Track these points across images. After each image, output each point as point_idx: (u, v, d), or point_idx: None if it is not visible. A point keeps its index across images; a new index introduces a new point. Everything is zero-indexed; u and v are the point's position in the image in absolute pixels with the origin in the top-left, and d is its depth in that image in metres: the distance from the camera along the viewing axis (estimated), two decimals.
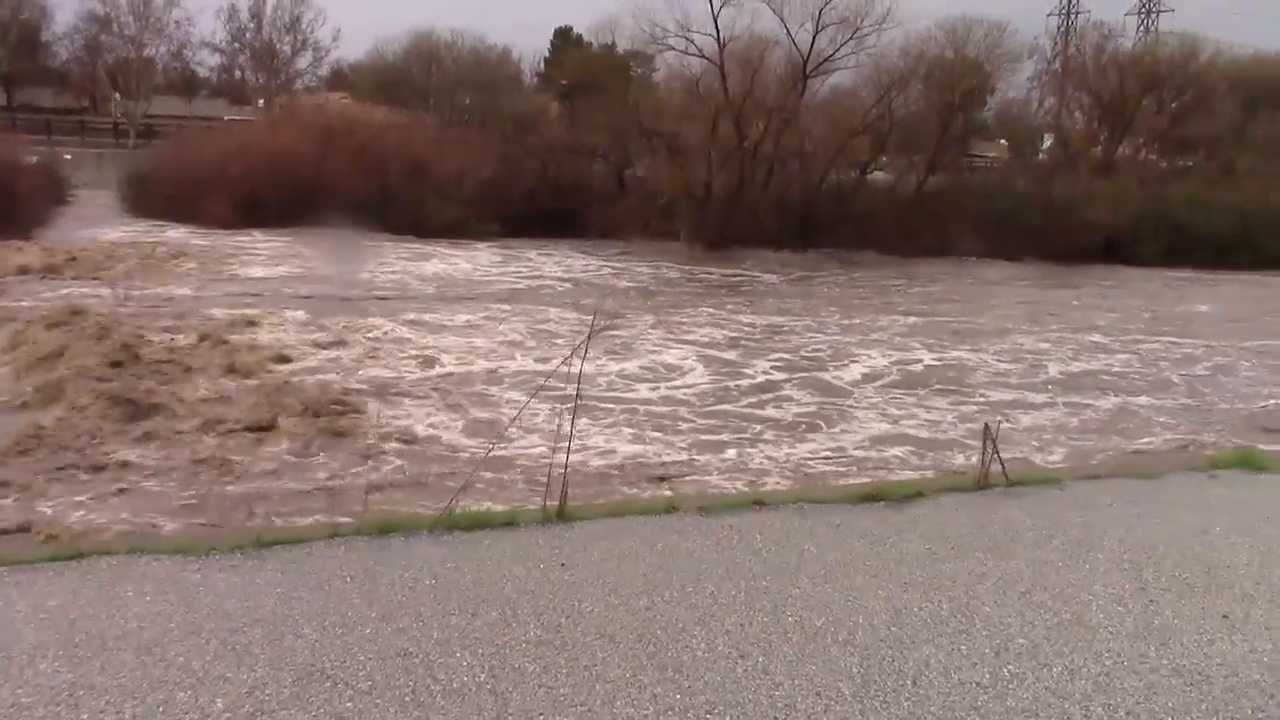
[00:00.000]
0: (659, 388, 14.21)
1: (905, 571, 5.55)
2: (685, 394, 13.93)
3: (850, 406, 13.58)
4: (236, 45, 59.96)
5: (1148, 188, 40.80)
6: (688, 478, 10.11)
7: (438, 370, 14.73)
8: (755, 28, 38.30)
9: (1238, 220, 37.05)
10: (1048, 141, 52.48)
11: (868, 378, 15.57)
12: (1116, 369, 16.99)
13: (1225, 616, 5.10)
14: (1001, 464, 7.18)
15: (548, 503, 6.38)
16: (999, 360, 17.26)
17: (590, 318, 17.74)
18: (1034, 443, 11.99)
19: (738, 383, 14.79)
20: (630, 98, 40.83)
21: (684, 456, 10.93)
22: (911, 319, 21.66)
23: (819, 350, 17.63)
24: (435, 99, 48.04)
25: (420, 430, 11.49)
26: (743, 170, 36.60)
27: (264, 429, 11.21)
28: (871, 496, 6.77)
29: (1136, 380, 16.10)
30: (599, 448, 11.09)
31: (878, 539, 6.04)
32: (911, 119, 39.69)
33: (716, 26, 37.41)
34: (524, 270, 27.71)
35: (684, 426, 12.21)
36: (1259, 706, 4.25)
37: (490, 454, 9.67)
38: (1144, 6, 77.80)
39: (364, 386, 13.34)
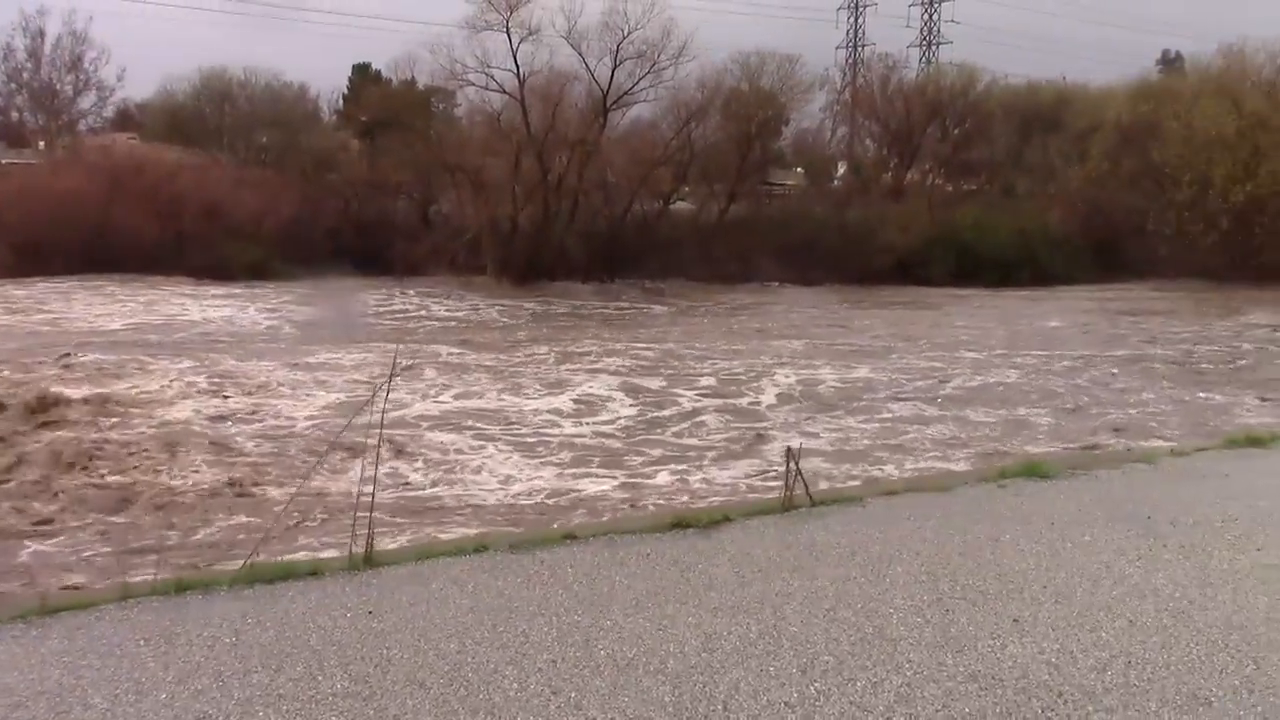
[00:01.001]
0: (582, 424, 14.70)
1: (715, 597, 5.62)
2: (614, 426, 14.49)
3: (768, 428, 14.61)
4: (13, 86, 57.02)
5: (936, 211, 42.76)
6: (642, 502, 10.47)
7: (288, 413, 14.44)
8: (555, 62, 38.60)
9: (1019, 239, 39.20)
10: (842, 169, 54.29)
11: (783, 399, 16.73)
12: (1012, 381, 18.27)
13: (1015, 620, 5.33)
14: (805, 485, 7.36)
15: (354, 549, 6.24)
16: (904, 377, 18.48)
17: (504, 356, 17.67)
18: (942, 450, 12.81)
19: (665, 411, 15.52)
20: (432, 133, 40.58)
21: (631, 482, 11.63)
22: (795, 342, 22.91)
23: (730, 374, 18.58)
24: (230, 138, 46.66)
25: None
26: (547, 203, 36.80)
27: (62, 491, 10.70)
28: (681, 524, 6.85)
29: (1029, 392, 17.30)
30: (546, 488, 11.37)
31: (687, 566, 6.11)
32: (711, 149, 40.67)
33: (516, 62, 37.59)
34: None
35: (631, 459, 12.79)
36: (1048, 705, 4.45)
37: (294, 498, 9.41)
38: (924, 39, 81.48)
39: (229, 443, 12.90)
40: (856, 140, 54.71)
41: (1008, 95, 53.13)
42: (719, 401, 16.28)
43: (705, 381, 17.90)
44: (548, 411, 15.29)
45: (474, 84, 39.08)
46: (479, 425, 14.22)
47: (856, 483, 10.50)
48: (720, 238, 38.64)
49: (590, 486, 11.49)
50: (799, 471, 7.29)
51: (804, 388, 17.35)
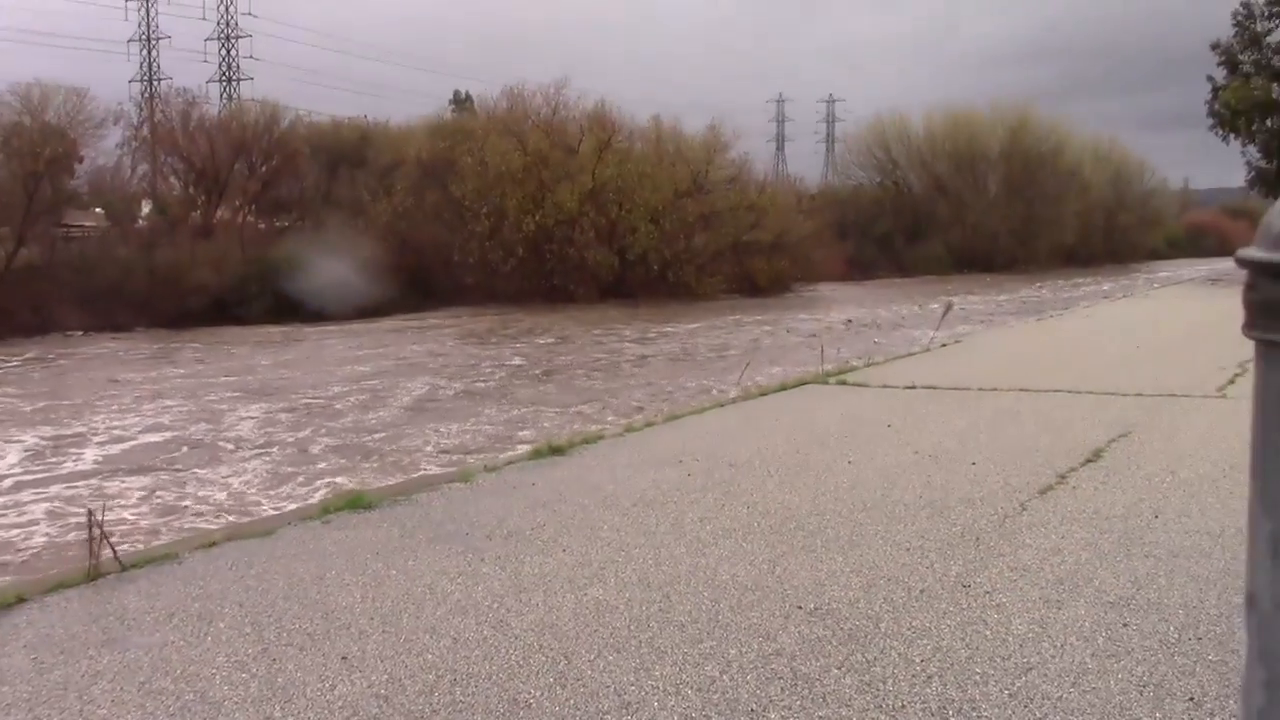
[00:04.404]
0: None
1: (7, 692, 4.94)
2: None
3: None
4: None
5: (250, 248, 42.12)
6: None
7: None
8: None
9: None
10: (147, 208, 51.65)
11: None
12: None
13: (344, 658, 5.24)
14: (113, 549, 6.76)
15: None
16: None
17: None
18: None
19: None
20: None
21: None
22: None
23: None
24: None
25: None
26: None
27: None
28: None
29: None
30: None
31: None
32: None
33: None
34: None
35: None
36: None
37: None
38: (224, 75, 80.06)
39: None
40: (160, 178, 52.30)
41: (314, 132, 53.88)
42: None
43: None
44: None
45: None
46: None
47: (174, 538, 9.87)
48: (10, 286, 35.04)
49: None
50: (105, 535, 6.68)
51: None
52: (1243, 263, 1.59)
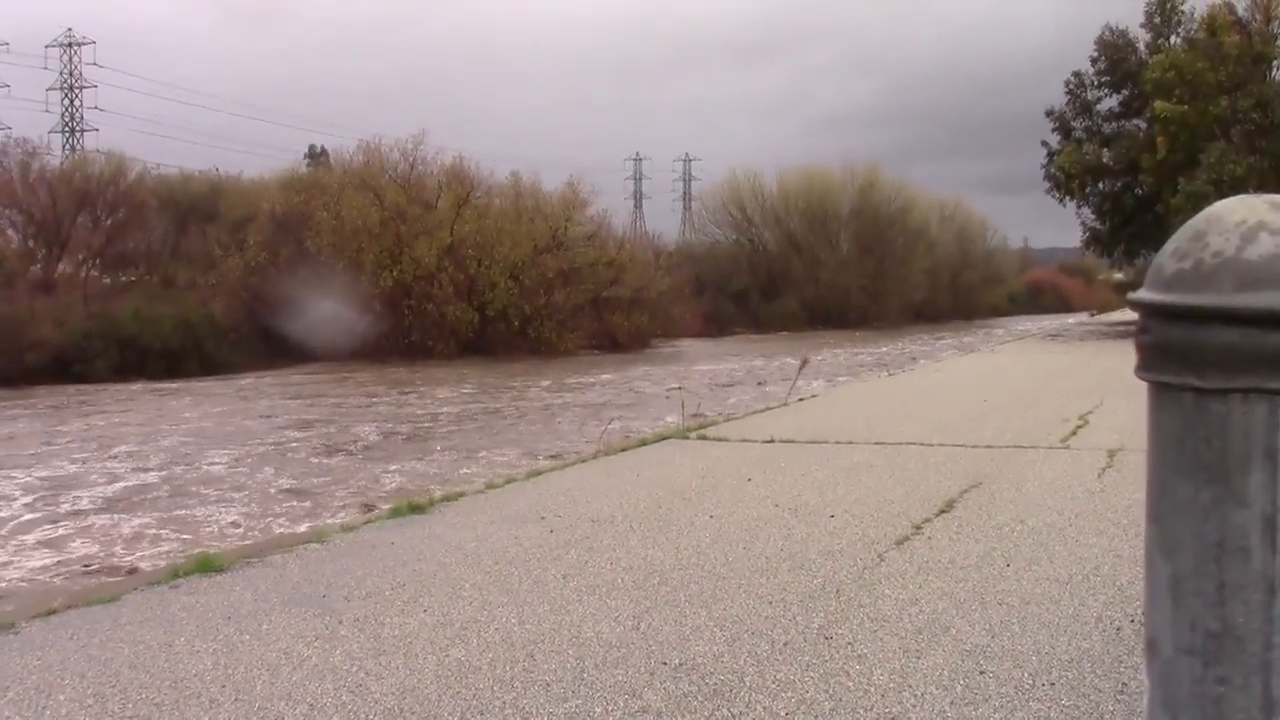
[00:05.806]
0: None
1: None
2: None
3: None
4: None
5: (94, 304, 40.73)
6: None
7: None
8: None
9: (184, 330, 38.67)
10: None
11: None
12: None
13: None
14: None
15: None
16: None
17: None
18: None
19: None
20: None
21: None
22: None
23: None
24: None
25: None
26: None
27: None
28: None
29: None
30: None
31: None
32: None
33: None
34: None
35: None
36: None
37: None
38: (67, 126, 77.77)
39: None
40: None
41: (162, 185, 52.61)
42: None
43: None
44: None
45: None
46: None
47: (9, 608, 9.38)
48: None
49: None
50: None
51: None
52: (1135, 305, 1.59)
